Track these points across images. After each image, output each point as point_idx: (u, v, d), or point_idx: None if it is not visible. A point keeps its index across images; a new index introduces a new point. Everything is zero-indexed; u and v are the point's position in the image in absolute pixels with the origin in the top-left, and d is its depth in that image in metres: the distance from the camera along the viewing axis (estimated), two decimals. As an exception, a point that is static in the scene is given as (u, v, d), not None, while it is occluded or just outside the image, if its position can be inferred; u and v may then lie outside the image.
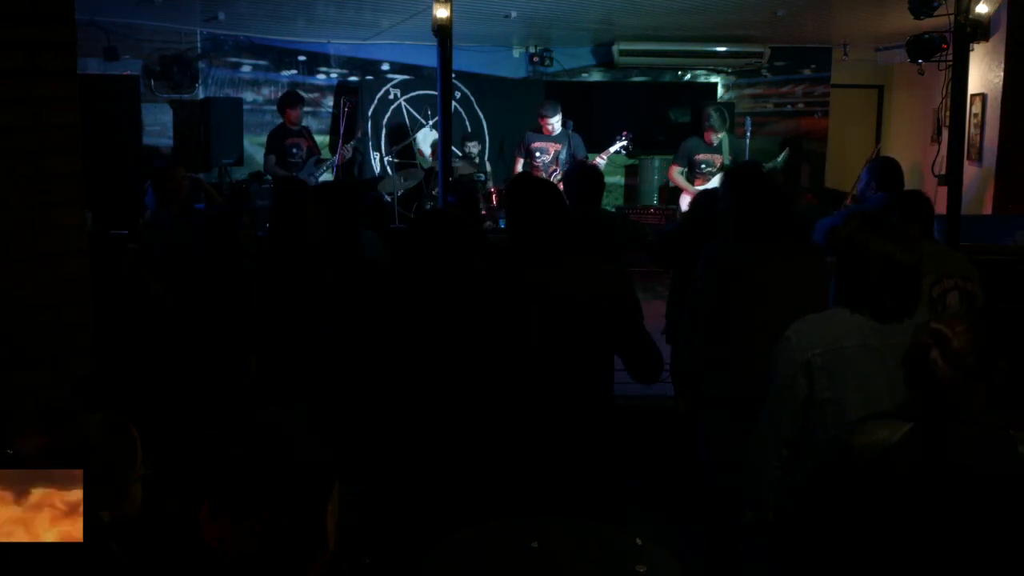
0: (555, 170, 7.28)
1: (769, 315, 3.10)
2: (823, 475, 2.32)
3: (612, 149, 7.45)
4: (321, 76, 9.24)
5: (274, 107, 8.84)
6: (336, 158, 7.62)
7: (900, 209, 3.54)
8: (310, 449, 1.42)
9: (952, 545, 2.09)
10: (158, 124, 8.32)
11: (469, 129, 9.15)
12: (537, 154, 7.39)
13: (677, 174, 7.40)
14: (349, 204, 3.78)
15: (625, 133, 7.45)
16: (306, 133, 7.50)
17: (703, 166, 7.26)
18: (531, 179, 3.31)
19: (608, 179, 7.90)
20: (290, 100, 7.54)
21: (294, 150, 7.29)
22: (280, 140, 7.33)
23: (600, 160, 7.30)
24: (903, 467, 2.11)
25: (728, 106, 8.92)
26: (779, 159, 7.53)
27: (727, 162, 7.21)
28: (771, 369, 2.63)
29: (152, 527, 1.91)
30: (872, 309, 2.48)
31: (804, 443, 2.56)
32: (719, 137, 7.24)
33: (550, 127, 7.33)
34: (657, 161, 9.38)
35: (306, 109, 8.20)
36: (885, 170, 4.48)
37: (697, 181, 7.24)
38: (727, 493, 3.30)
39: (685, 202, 7.37)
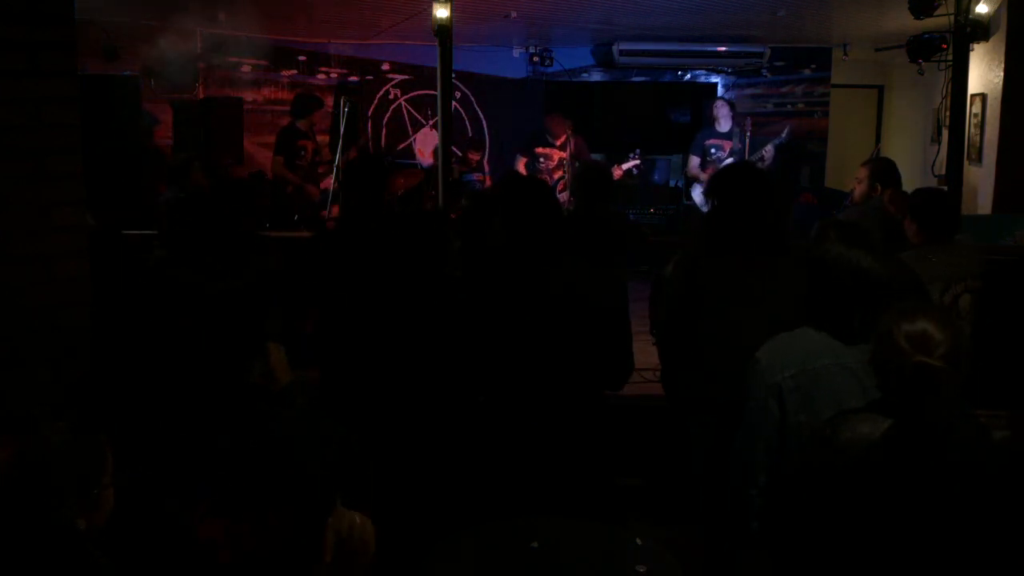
0: (560, 175, 7.28)
1: (734, 330, 3.02)
2: (803, 474, 2.22)
3: (624, 167, 7.46)
4: (321, 76, 9.23)
5: (274, 107, 8.83)
6: (338, 161, 7.59)
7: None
8: (317, 460, 1.41)
9: (941, 538, 2.05)
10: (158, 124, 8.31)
11: (470, 132, 9.13)
12: (541, 159, 7.39)
13: (695, 166, 7.42)
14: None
15: (637, 151, 7.50)
16: (311, 134, 7.48)
17: (713, 151, 7.29)
18: (523, 179, 3.26)
19: (607, 179, 7.91)
20: (313, 104, 7.37)
21: (302, 152, 7.25)
22: (291, 141, 7.21)
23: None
24: (889, 462, 2.00)
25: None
26: (783, 135, 7.59)
27: (737, 148, 7.25)
28: (744, 391, 2.50)
29: (142, 529, 1.88)
30: (838, 328, 2.36)
31: (782, 467, 2.41)
32: (728, 123, 7.29)
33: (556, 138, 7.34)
34: (657, 161, 9.37)
35: (306, 109, 8.17)
36: (883, 170, 4.49)
37: (708, 170, 7.25)
38: (715, 491, 3.30)
39: (697, 192, 7.44)
